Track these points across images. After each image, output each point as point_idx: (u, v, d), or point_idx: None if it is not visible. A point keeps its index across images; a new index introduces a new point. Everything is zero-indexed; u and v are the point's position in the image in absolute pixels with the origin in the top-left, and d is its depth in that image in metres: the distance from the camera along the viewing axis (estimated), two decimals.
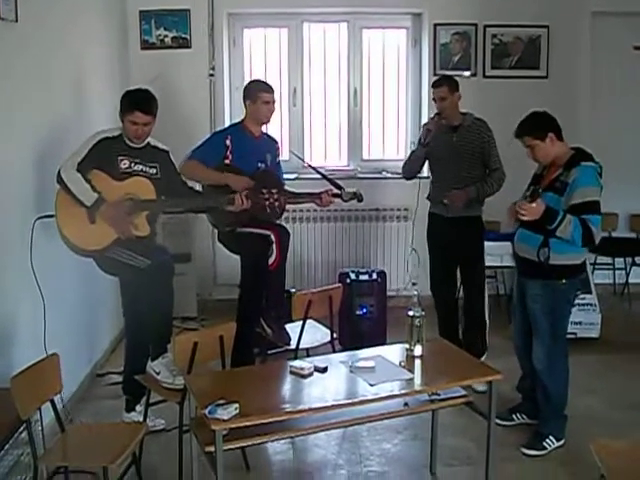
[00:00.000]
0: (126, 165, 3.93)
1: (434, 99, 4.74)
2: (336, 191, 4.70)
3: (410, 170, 4.97)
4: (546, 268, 3.81)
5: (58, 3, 4.34)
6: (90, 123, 4.42)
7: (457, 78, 4.85)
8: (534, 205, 3.63)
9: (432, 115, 4.80)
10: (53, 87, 4.28)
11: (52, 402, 3.14)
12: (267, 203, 4.33)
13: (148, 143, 4.04)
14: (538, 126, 3.81)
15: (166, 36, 6.25)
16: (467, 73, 6.32)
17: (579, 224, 3.63)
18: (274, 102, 4.65)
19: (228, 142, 4.52)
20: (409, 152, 5.11)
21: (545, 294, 3.88)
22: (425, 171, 5.32)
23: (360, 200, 4.74)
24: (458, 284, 5.10)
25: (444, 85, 4.69)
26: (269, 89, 4.64)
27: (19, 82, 3.76)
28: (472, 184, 4.66)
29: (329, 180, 4.80)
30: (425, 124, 4.83)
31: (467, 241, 4.79)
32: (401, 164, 5.08)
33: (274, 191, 4.35)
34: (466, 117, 4.76)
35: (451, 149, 4.70)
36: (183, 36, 6.26)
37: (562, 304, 3.94)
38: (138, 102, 3.91)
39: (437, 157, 4.80)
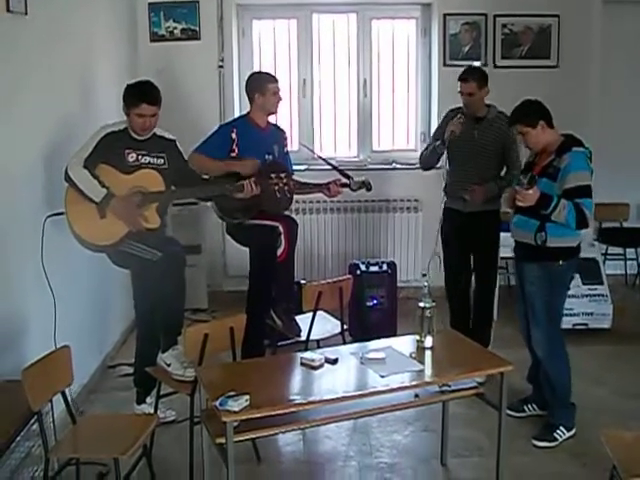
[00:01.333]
0: (133, 158, 3.93)
1: (460, 92, 4.61)
2: (345, 180, 4.69)
3: (428, 162, 4.86)
4: (543, 250, 3.87)
5: None
6: (98, 117, 4.41)
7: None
8: (531, 192, 3.70)
9: (458, 115, 4.57)
10: (61, 81, 4.27)
11: (63, 394, 3.16)
12: (276, 188, 4.33)
13: (154, 133, 4.03)
14: (529, 114, 3.87)
15: (175, 28, 6.23)
16: (477, 63, 6.27)
17: (573, 208, 3.71)
18: (280, 91, 4.66)
19: (234, 135, 4.51)
20: (427, 143, 4.95)
21: (542, 275, 3.93)
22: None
23: (369, 189, 4.72)
24: (471, 281, 5.02)
25: (472, 81, 4.56)
26: (275, 79, 4.64)
27: (27, 77, 3.76)
28: (491, 180, 4.61)
29: (338, 170, 4.80)
30: (451, 123, 4.58)
31: (484, 235, 4.75)
32: (411, 154, 5.06)
33: (282, 175, 4.36)
34: (490, 109, 4.67)
35: (472, 143, 4.63)
36: (192, 28, 6.24)
37: (559, 286, 3.99)
38: (143, 94, 3.90)
39: (457, 150, 4.69)
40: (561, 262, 3.90)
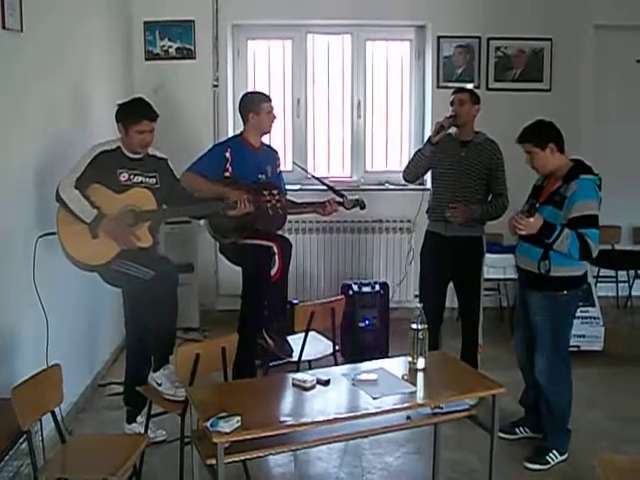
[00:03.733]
0: (125, 177, 3.93)
1: (451, 102, 4.61)
2: (339, 199, 4.69)
3: (412, 172, 4.78)
4: (547, 280, 3.82)
5: (63, 14, 4.34)
6: (92, 136, 4.40)
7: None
8: (531, 220, 3.65)
9: (448, 114, 4.60)
10: (56, 99, 4.27)
11: (53, 413, 3.13)
12: (269, 205, 4.33)
13: (146, 153, 4.04)
14: (540, 135, 3.82)
15: (170, 47, 6.26)
16: (470, 85, 6.30)
17: (576, 238, 3.64)
18: (274, 110, 4.67)
19: (228, 154, 4.53)
20: (415, 151, 4.91)
21: (546, 305, 3.88)
22: (428, 182, 5.25)
23: (363, 207, 4.72)
24: (445, 305, 4.91)
25: (467, 92, 4.62)
26: (268, 99, 4.66)
27: (21, 94, 3.76)
28: (475, 203, 4.58)
29: (331, 189, 4.81)
30: (439, 121, 4.61)
31: (465, 261, 4.68)
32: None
33: (275, 192, 4.35)
34: (478, 135, 4.65)
35: (457, 164, 4.59)
36: (187, 47, 6.28)
37: (563, 316, 3.94)
38: (143, 111, 3.93)
39: (441, 170, 4.66)
40: (565, 292, 3.84)
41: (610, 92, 6.63)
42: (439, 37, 6.41)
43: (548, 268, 3.78)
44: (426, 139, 4.76)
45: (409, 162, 4.84)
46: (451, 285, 4.85)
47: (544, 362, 3.95)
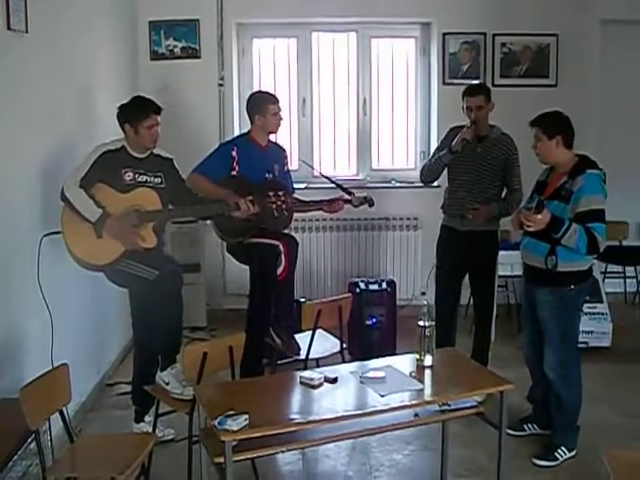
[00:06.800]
0: (130, 177, 3.93)
1: (468, 108, 4.52)
2: (347, 197, 4.68)
3: (430, 174, 4.76)
4: (554, 275, 3.82)
5: (68, 14, 4.35)
6: (98, 135, 4.40)
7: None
8: (540, 216, 3.65)
9: (468, 124, 4.51)
10: (61, 99, 4.29)
11: (61, 412, 3.14)
12: (274, 206, 4.32)
13: (151, 152, 4.05)
14: (551, 123, 3.84)
15: (175, 46, 6.27)
16: (476, 82, 6.31)
17: (584, 233, 3.65)
18: (281, 111, 4.66)
19: (234, 153, 4.52)
20: (430, 156, 4.87)
21: (554, 300, 3.89)
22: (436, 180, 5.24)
23: (371, 205, 4.72)
24: (460, 299, 4.96)
25: (480, 94, 4.52)
26: (275, 100, 4.64)
27: (26, 95, 3.77)
28: (492, 199, 4.56)
29: (339, 186, 4.80)
30: (462, 132, 4.49)
31: (481, 255, 4.68)
32: (410, 173, 5.02)
33: (280, 193, 4.35)
34: (494, 129, 4.62)
35: (474, 160, 4.57)
36: (192, 46, 6.28)
37: (571, 310, 3.94)
38: (148, 106, 3.97)
39: (458, 167, 4.63)
40: (572, 287, 3.84)
41: (617, 87, 6.59)
42: (444, 34, 6.39)
43: (555, 263, 3.78)
44: (438, 147, 4.74)
45: (427, 166, 4.79)
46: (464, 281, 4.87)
47: (554, 357, 3.94)
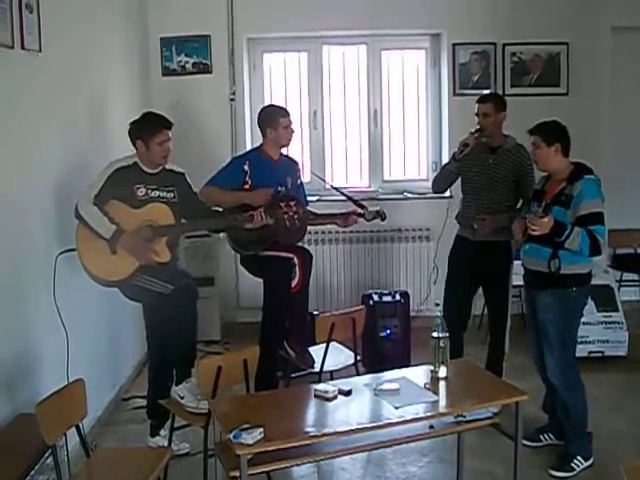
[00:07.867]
0: (143, 193, 3.97)
1: (476, 114, 4.57)
2: (359, 211, 4.69)
3: (439, 184, 4.81)
4: (557, 278, 3.87)
5: (80, 32, 4.40)
6: (111, 152, 4.43)
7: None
8: (545, 220, 3.70)
9: (473, 130, 4.56)
10: (74, 117, 4.33)
11: (77, 427, 3.15)
12: (286, 217, 4.33)
13: (163, 168, 4.08)
14: (551, 132, 3.92)
15: (187, 62, 6.31)
16: (487, 92, 6.31)
17: (586, 235, 3.72)
18: (292, 124, 4.68)
19: (247, 167, 4.54)
20: (441, 166, 4.92)
21: (556, 303, 3.92)
22: (449, 191, 5.22)
23: (383, 219, 4.72)
24: (472, 312, 4.92)
25: (489, 102, 4.55)
26: (286, 113, 4.66)
27: (41, 113, 3.81)
28: (504, 210, 4.54)
29: (351, 199, 4.81)
30: (464, 139, 4.56)
31: (492, 266, 4.67)
32: (422, 184, 5.04)
33: (292, 203, 4.36)
34: (508, 140, 4.61)
35: (486, 171, 4.57)
36: (204, 62, 6.32)
37: (572, 312, 3.98)
38: (159, 121, 4.01)
39: (470, 177, 4.64)
40: (574, 289, 3.89)
41: (628, 95, 6.57)
42: (454, 44, 6.40)
43: (558, 266, 3.84)
44: (451, 155, 4.74)
45: (437, 177, 4.86)
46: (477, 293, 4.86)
47: (554, 362, 3.97)
